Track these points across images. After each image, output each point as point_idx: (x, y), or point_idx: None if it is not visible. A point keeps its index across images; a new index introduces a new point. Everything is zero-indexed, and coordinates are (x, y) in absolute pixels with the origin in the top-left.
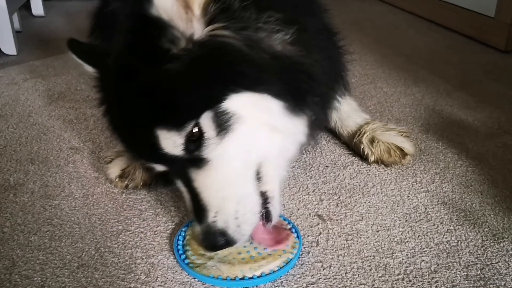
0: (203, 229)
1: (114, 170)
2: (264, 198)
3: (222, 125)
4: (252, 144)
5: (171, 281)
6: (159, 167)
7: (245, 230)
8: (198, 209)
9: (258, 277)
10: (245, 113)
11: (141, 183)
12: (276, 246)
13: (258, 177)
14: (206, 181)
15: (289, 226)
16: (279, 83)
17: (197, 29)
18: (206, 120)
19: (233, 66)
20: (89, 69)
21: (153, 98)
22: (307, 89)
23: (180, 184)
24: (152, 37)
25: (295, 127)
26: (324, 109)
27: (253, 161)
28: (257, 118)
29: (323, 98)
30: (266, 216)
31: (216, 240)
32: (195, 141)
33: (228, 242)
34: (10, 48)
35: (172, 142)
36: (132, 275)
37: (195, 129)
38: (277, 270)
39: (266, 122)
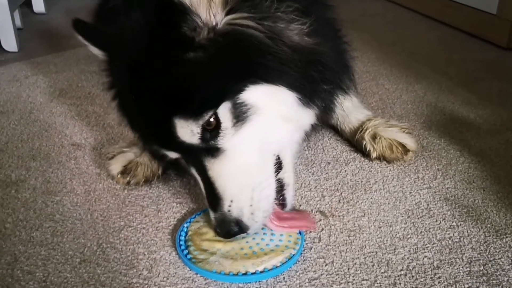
0: (218, 217)
1: (116, 166)
2: (281, 185)
3: (240, 115)
4: (268, 135)
5: (173, 276)
6: (173, 155)
7: (258, 217)
8: (213, 198)
9: (261, 272)
10: (262, 104)
11: (143, 180)
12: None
13: (278, 166)
14: (221, 170)
15: None
16: (297, 76)
17: (219, 18)
18: (224, 110)
19: (255, 58)
20: (95, 51)
21: (172, 86)
22: (319, 78)
23: (194, 172)
24: (174, 23)
25: (306, 117)
26: (333, 98)
27: (269, 151)
28: (273, 109)
29: (333, 85)
30: (280, 202)
31: (231, 228)
32: (212, 131)
33: (242, 229)
34: (11, 45)
35: (189, 131)
36: (134, 270)
37: (212, 119)
38: (280, 265)
39: (281, 113)
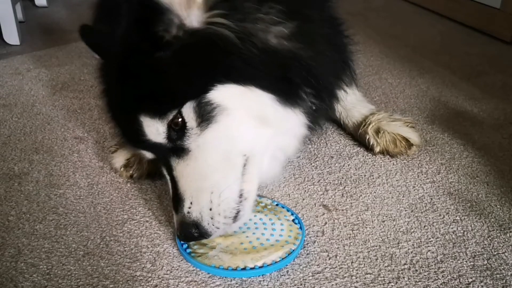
0: (178, 219)
1: (119, 159)
2: (240, 197)
3: (204, 116)
4: (237, 137)
5: (177, 269)
6: (148, 154)
7: (218, 223)
8: (175, 199)
9: (260, 267)
10: (231, 105)
11: (146, 173)
12: None
13: (243, 172)
14: (184, 170)
15: (292, 217)
16: (268, 77)
17: (197, 16)
18: (188, 110)
19: (220, 57)
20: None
21: (141, 84)
22: (301, 82)
23: (165, 172)
24: (149, 23)
25: (288, 121)
26: (327, 99)
27: (238, 154)
28: (244, 111)
29: (326, 88)
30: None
31: (189, 231)
32: (178, 131)
33: (202, 234)
34: (13, 38)
35: (155, 130)
36: (138, 263)
37: (179, 118)
38: (279, 260)
39: (254, 115)
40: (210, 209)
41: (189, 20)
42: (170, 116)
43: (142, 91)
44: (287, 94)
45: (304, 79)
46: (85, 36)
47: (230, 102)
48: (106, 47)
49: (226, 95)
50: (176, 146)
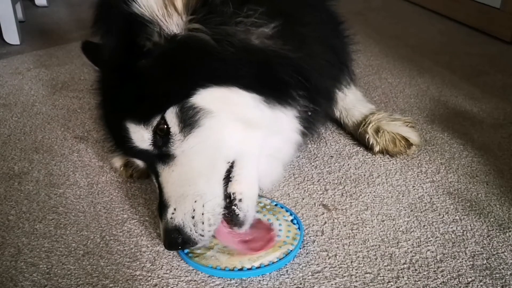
0: (163, 226)
1: (119, 159)
2: (231, 200)
3: (187, 120)
4: (221, 141)
5: (176, 269)
6: (138, 161)
7: (202, 231)
8: (160, 205)
9: (257, 268)
10: (214, 109)
11: (146, 172)
12: (246, 250)
13: (229, 176)
14: (169, 177)
15: (291, 218)
16: (251, 76)
17: (178, 23)
18: (171, 116)
19: (200, 60)
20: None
21: (126, 91)
22: (291, 81)
23: (153, 179)
24: (132, 34)
25: (278, 122)
26: (323, 103)
27: (223, 158)
28: (229, 113)
29: (321, 90)
30: (231, 219)
31: (172, 238)
32: (163, 137)
33: (185, 240)
34: (14, 38)
35: (140, 136)
36: (138, 263)
37: (163, 125)
38: (277, 261)
39: (240, 118)
40: (193, 217)
41: (170, 27)
42: (154, 122)
43: (127, 98)
44: (276, 94)
45: (294, 78)
46: (85, 50)
47: (213, 106)
48: (101, 58)
49: (208, 99)
50: (161, 152)
